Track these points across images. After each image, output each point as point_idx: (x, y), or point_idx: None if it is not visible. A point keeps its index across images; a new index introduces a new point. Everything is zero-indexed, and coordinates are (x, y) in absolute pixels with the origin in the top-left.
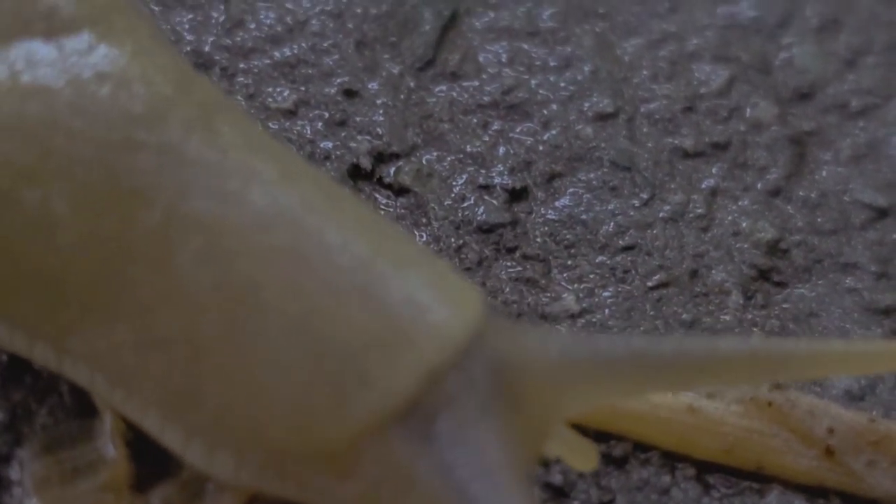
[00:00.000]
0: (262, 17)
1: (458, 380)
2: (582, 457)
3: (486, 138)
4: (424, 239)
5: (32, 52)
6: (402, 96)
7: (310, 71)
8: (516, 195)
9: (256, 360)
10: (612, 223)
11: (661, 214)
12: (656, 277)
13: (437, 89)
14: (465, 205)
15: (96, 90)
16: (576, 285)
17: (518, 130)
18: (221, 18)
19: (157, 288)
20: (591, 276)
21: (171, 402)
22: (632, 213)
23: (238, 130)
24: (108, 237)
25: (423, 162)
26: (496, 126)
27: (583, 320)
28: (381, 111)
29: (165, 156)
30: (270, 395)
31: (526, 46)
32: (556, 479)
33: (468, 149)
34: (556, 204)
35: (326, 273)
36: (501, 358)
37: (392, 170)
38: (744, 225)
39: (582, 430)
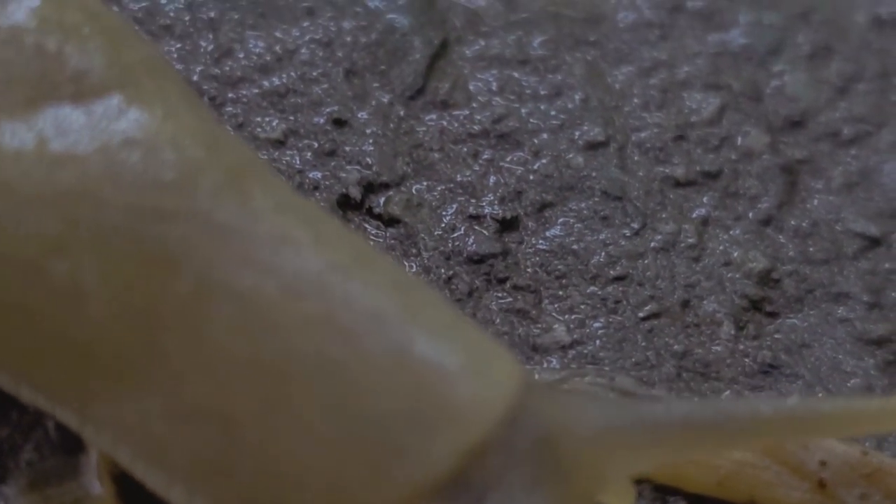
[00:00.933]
0: (250, 45)
1: (502, 454)
2: (618, 495)
3: (477, 167)
4: (414, 270)
5: (60, 117)
6: (391, 125)
7: (299, 100)
8: (507, 225)
9: (290, 433)
10: (603, 253)
11: (652, 244)
12: (647, 308)
13: (426, 118)
14: (455, 235)
15: (126, 157)
16: (567, 316)
17: (508, 160)
18: (210, 48)
19: (190, 358)
20: (583, 307)
21: (200, 476)
22: (623, 243)
23: (269, 193)
24: (139, 307)
25: (413, 192)
26: (486, 155)
27: (574, 351)
28: (370, 140)
29: (196, 223)
30: (305, 470)
31: (516, 75)
32: None
33: (458, 178)
34: (547, 234)
35: (361, 343)
36: (544, 427)
37: (382, 200)
38: (735, 255)
39: None
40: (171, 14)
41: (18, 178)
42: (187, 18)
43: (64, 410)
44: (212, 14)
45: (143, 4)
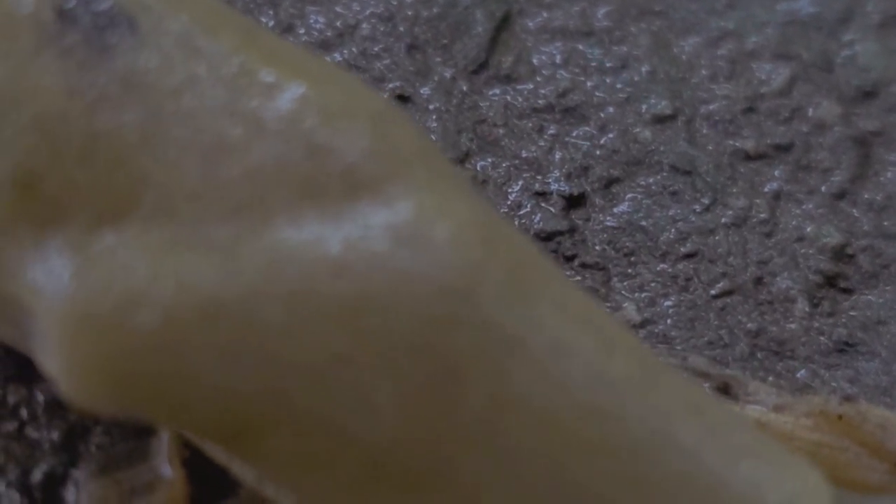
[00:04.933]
0: (311, 21)
1: None
2: None
3: (542, 143)
4: None
5: (336, 217)
6: (454, 101)
7: (361, 76)
8: (574, 202)
9: None
10: (672, 230)
11: (723, 220)
12: (719, 285)
13: (490, 93)
14: (522, 212)
15: (406, 262)
16: (637, 294)
17: (574, 134)
18: (270, 24)
19: (484, 473)
20: (653, 285)
21: None
22: (693, 219)
23: (551, 294)
24: (430, 419)
25: (478, 168)
26: (552, 130)
27: (645, 331)
28: (433, 117)
29: (482, 332)
30: None
31: (581, 47)
32: None
33: (523, 154)
34: (615, 210)
35: (666, 472)
36: None
37: None
38: (808, 230)
39: None
40: None
41: (301, 285)
42: None
43: None
44: None
45: None
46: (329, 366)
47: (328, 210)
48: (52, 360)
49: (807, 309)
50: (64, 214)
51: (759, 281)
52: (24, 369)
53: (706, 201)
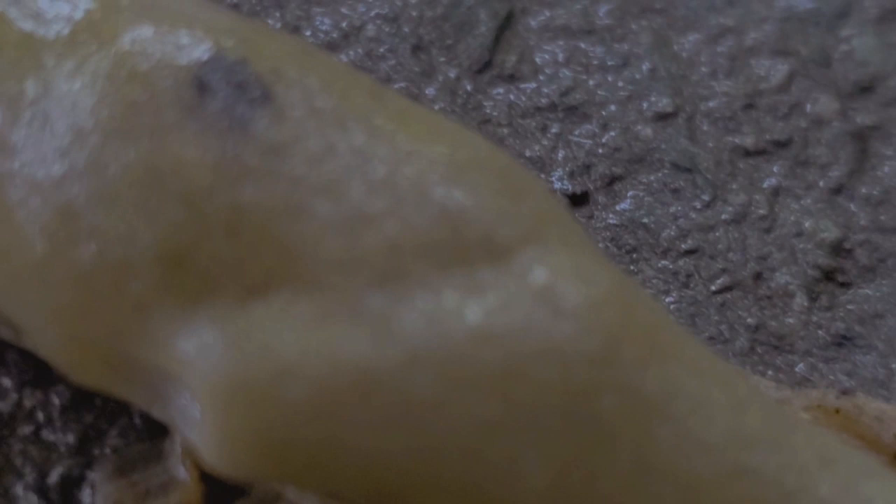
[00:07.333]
0: (317, 23)
1: None
2: None
3: (545, 142)
4: None
5: (474, 287)
6: (459, 101)
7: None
8: (577, 200)
9: None
10: (673, 226)
11: (723, 216)
12: (720, 281)
13: (494, 92)
14: None
15: (548, 328)
16: None
17: (577, 133)
18: (277, 26)
19: None
20: (654, 282)
21: None
22: (693, 216)
23: (686, 357)
24: (577, 486)
25: None
26: (555, 129)
27: None
28: None
29: (623, 397)
30: None
31: (583, 45)
32: None
33: (527, 153)
34: (617, 208)
35: None
36: None
37: None
38: (807, 225)
39: None
40: None
41: (449, 355)
42: None
43: None
44: None
45: None
46: (479, 434)
47: (466, 277)
48: (200, 428)
49: (805, 303)
50: (213, 288)
51: (758, 276)
52: (40, 372)
53: (706, 198)
